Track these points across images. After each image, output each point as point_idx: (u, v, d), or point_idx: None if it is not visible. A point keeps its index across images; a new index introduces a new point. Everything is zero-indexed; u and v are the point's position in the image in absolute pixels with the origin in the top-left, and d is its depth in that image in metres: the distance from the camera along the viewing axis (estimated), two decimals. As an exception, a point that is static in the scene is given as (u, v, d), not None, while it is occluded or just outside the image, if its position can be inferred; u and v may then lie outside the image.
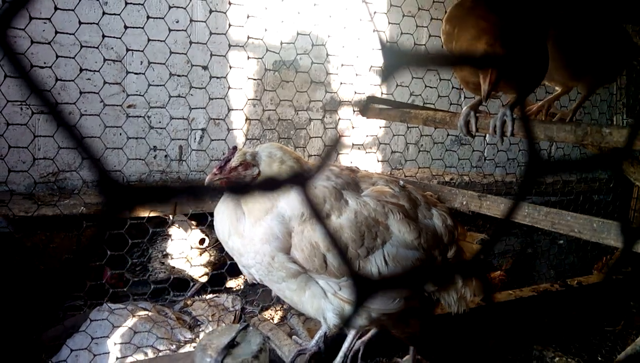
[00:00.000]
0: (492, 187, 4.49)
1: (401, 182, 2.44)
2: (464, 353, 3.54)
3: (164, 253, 3.70)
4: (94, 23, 3.07)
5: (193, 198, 0.38)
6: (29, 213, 3.26)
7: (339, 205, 2.16)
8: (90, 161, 0.40)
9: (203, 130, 4.14)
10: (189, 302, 3.71)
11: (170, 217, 3.73)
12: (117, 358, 3.07)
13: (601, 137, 1.92)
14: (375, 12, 4.47)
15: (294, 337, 2.95)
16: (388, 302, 2.28)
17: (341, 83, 4.07)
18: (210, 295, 3.84)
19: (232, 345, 2.38)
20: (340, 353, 2.56)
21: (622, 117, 5.47)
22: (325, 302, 2.25)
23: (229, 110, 3.91)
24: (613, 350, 3.62)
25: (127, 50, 3.20)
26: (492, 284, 4.26)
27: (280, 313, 3.77)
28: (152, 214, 3.48)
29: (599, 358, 3.64)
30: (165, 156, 4.17)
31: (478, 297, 2.52)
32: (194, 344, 3.28)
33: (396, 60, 0.45)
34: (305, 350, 2.73)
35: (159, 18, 3.18)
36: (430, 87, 4.35)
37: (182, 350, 3.25)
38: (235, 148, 2.24)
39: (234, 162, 2.17)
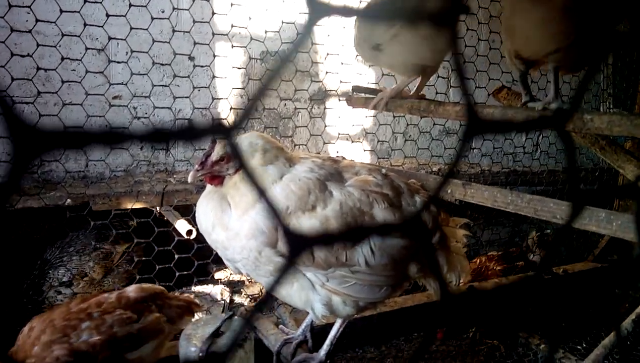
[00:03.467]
0: (478, 177, 4.51)
1: (383, 170, 2.44)
2: (452, 339, 3.56)
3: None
4: (75, 12, 3.03)
5: (110, 146, 0.37)
6: (14, 206, 3.23)
7: (324, 196, 2.15)
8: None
9: (189, 120, 4.11)
10: (176, 294, 3.70)
11: (157, 208, 3.71)
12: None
13: (583, 123, 1.92)
14: None
15: (280, 326, 2.95)
16: (375, 291, 2.28)
17: (327, 72, 4.06)
18: (198, 287, 3.83)
19: (216, 334, 2.37)
20: (327, 341, 2.56)
21: (607, 107, 5.51)
22: (313, 293, 2.25)
23: (214, 99, 3.89)
24: (597, 337, 3.66)
25: (110, 39, 3.17)
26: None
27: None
28: (137, 206, 3.45)
29: (584, 345, 3.69)
30: (152, 147, 4.14)
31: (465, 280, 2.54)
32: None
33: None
34: (291, 339, 2.73)
35: (142, 6, 3.15)
36: (417, 77, 4.34)
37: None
38: (214, 141, 2.21)
39: (214, 156, 2.14)
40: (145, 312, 2.47)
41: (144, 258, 3.46)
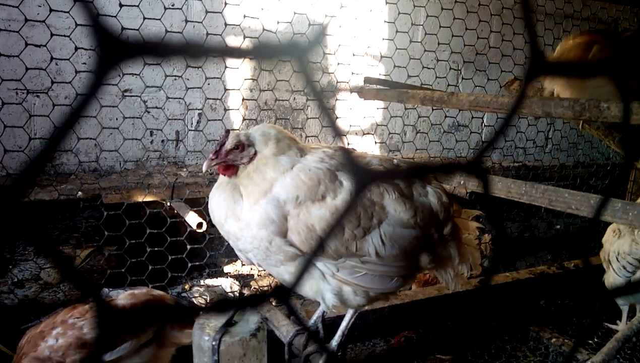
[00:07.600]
0: (488, 171, 4.49)
1: (395, 161, 2.42)
2: (462, 333, 3.55)
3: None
4: (88, 1, 3.04)
5: (190, 57, 0.37)
6: (26, 198, 3.25)
7: (334, 186, 2.14)
8: (83, 5, 0.39)
9: (200, 112, 4.11)
10: (186, 287, 3.71)
11: (168, 203, 3.71)
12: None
13: (599, 111, 1.91)
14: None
15: (292, 317, 2.96)
16: (386, 281, 2.27)
17: (338, 63, 4.04)
18: (208, 280, 3.84)
19: (229, 323, 2.37)
20: (339, 332, 2.56)
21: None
22: (323, 283, 2.24)
23: (226, 90, 3.88)
24: (609, 331, 3.65)
25: (123, 29, 3.17)
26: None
27: (278, 295, 3.78)
28: (148, 198, 3.46)
29: (595, 339, 3.67)
30: (162, 140, 4.15)
31: (475, 272, 2.52)
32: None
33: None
34: (303, 331, 2.74)
35: (154, -3, 3.16)
36: (428, 68, 4.32)
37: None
38: (228, 131, 2.21)
39: (229, 144, 2.14)
40: None
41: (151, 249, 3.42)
